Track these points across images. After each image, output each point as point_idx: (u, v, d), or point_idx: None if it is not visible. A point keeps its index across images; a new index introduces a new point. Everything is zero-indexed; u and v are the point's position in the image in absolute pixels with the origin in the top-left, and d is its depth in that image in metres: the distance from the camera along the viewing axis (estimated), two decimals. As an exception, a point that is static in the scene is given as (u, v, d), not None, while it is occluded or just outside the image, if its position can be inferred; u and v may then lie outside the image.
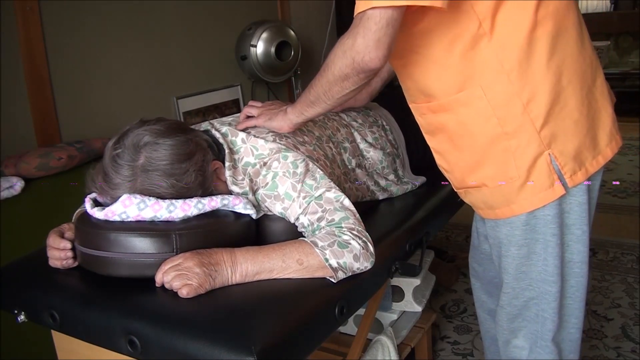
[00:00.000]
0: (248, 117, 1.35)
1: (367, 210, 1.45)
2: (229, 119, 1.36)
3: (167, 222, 1.08)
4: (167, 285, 1.02)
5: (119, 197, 1.06)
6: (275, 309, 0.99)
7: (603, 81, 1.16)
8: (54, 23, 2.14)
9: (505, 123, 1.07)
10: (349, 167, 1.43)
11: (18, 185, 1.75)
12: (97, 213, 1.08)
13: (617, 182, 3.52)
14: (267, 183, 1.19)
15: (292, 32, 2.97)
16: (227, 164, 1.20)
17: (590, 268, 1.25)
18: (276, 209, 1.19)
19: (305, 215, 1.16)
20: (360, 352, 1.52)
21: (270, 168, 1.20)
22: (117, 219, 1.07)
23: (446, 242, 2.92)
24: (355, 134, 1.51)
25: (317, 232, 1.13)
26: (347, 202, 1.17)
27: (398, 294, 1.78)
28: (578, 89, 1.09)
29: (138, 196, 1.06)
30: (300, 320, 1.00)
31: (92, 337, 1.07)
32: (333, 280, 1.07)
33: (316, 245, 1.07)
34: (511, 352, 1.28)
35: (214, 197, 1.13)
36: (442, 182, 1.66)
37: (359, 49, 0.99)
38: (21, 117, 2.06)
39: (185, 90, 2.73)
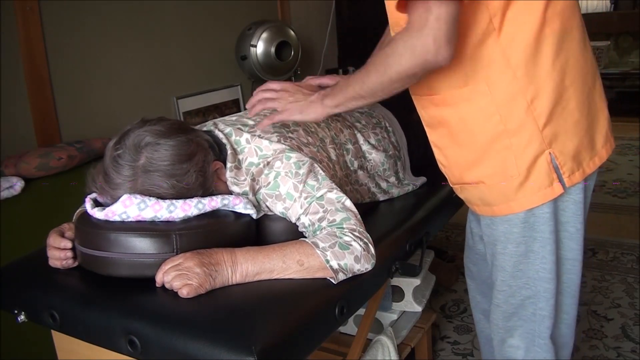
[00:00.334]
0: (264, 103, 1.28)
1: (367, 210, 1.45)
2: (232, 118, 1.36)
3: (167, 222, 1.08)
4: (167, 285, 1.02)
5: (120, 197, 1.06)
6: (276, 309, 0.99)
7: (601, 83, 1.17)
8: (54, 23, 2.14)
9: (508, 120, 1.07)
10: (351, 168, 1.43)
11: (18, 185, 1.75)
12: (98, 213, 1.08)
13: (617, 182, 3.52)
14: (269, 182, 1.19)
15: (292, 32, 2.97)
16: (229, 164, 1.20)
17: (583, 267, 1.25)
18: (277, 208, 1.19)
19: (306, 215, 1.16)
20: (360, 352, 1.52)
21: (273, 168, 1.20)
22: (118, 219, 1.07)
23: (446, 242, 2.92)
24: (359, 135, 1.51)
25: (318, 233, 1.13)
26: (348, 203, 1.17)
27: (398, 294, 1.78)
28: (580, 90, 1.10)
29: (138, 196, 1.06)
30: (300, 320, 1.00)
31: (92, 337, 1.07)
32: (333, 281, 1.07)
33: (317, 246, 1.07)
34: (506, 351, 1.28)
35: (214, 197, 1.13)
36: (442, 182, 1.66)
37: (431, 49, 0.96)
38: (21, 117, 2.06)
39: (185, 90, 2.73)
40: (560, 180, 1.10)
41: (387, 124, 1.62)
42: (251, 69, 2.88)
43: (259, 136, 1.25)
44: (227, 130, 1.27)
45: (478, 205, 1.21)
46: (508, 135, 1.08)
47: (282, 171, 1.19)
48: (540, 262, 1.17)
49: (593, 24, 5.18)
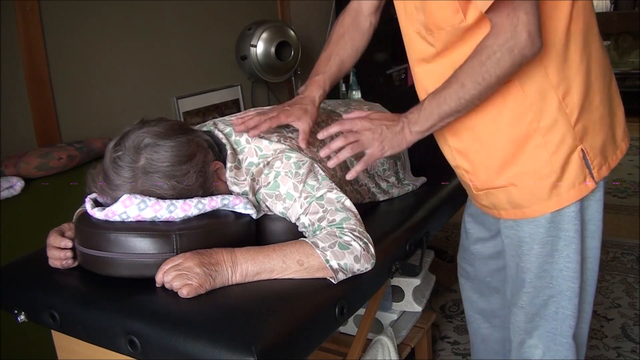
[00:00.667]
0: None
1: (367, 210, 1.45)
2: (232, 118, 1.36)
3: (167, 222, 1.08)
4: (167, 285, 1.02)
5: (120, 197, 1.06)
6: (276, 309, 0.99)
7: (615, 79, 1.19)
8: (54, 23, 2.14)
9: (541, 118, 1.08)
10: (351, 168, 1.43)
11: (18, 185, 1.75)
12: (98, 213, 1.08)
13: (617, 182, 3.52)
14: (269, 182, 1.19)
15: (292, 32, 2.97)
16: (229, 164, 1.20)
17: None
18: (277, 208, 1.19)
19: (306, 215, 1.16)
20: (360, 352, 1.52)
21: (273, 167, 1.20)
22: (118, 219, 1.07)
23: (446, 242, 2.92)
24: None
25: (317, 232, 1.13)
26: (348, 202, 1.17)
27: (398, 294, 1.78)
28: (602, 85, 1.13)
29: (138, 196, 1.06)
30: (300, 320, 1.00)
31: (92, 337, 1.07)
32: (333, 281, 1.07)
33: (317, 246, 1.07)
34: (525, 352, 1.27)
35: (214, 197, 1.13)
36: (442, 182, 1.66)
37: (527, 44, 0.99)
38: (21, 117, 2.06)
39: (185, 90, 2.73)
40: (591, 176, 1.11)
41: (388, 124, 1.61)
42: (251, 69, 2.88)
43: (259, 136, 1.25)
44: (227, 130, 1.27)
45: (506, 209, 1.19)
46: (541, 134, 1.09)
47: (282, 171, 1.19)
48: (564, 261, 1.17)
49: (593, 24, 5.18)
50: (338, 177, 1.35)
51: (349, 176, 1.20)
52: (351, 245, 1.09)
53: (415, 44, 1.19)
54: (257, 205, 1.20)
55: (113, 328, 1.01)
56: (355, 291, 1.15)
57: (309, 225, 1.15)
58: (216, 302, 1.01)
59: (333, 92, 3.27)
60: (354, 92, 2.90)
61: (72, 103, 2.23)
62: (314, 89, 1.34)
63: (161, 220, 1.08)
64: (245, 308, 0.99)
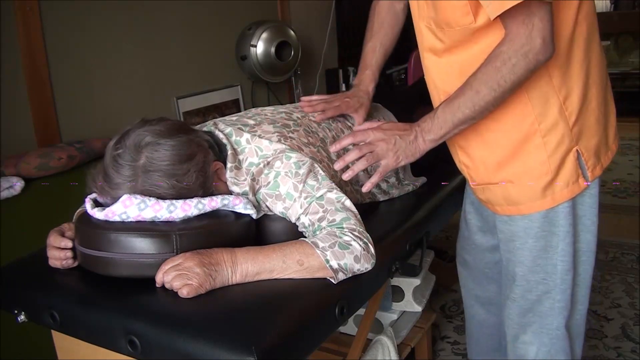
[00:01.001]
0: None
1: (367, 210, 1.45)
2: (233, 118, 1.36)
3: (167, 223, 1.08)
4: (167, 285, 1.02)
5: (120, 197, 1.06)
6: (275, 309, 0.99)
7: (610, 83, 1.24)
8: (54, 23, 2.14)
9: (543, 120, 1.12)
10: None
11: (18, 185, 1.75)
12: (98, 213, 1.08)
13: (617, 182, 3.52)
14: (269, 182, 1.19)
15: (292, 32, 2.97)
16: (229, 164, 1.20)
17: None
18: (277, 208, 1.19)
19: (306, 215, 1.16)
20: (360, 352, 1.52)
21: (273, 167, 1.20)
22: (118, 219, 1.07)
23: (446, 242, 2.92)
24: None
25: (317, 232, 1.13)
26: (348, 202, 1.17)
27: (398, 294, 1.78)
28: (599, 89, 1.17)
29: (138, 196, 1.06)
30: (300, 320, 1.00)
31: (92, 337, 1.07)
32: (333, 281, 1.07)
33: (317, 246, 1.07)
34: (519, 347, 1.30)
35: (214, 197, 1.13)
36: (442, 182, 1.66)
37: (541, 49, 1.02)
38: (21, 117, 2.06)
39: (185, 90, 2.73)
40: (584, 175, 1.16)
41: (388, 124, 1.61)
42: (251, 69, 2.88)
43: (259, 136, 1.25)
44: (228, 130, 1.27)
45: (501, 205, 1.23)
46: (541, 135, 1.13)
47: (282, 171, 1.19)
48: (559, 255, 1.20)
49: (593, 24, 5.18)
50: (338, 177, 1.35)
51: (365, 188, 1.21)
52: (351, 245, 1.09)
53: (425, 37, 1.22)
54: (257, 205, 1.20)
55: (113, 328, 1.01)
56: (355, 291, 1.15)
57: (309, 225, 1.15)
58: (216, 302, 1.01)
59: (334, 92, 3.27)
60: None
61: (72, 103, 2.23)
62: (367, 81, 1.47)
63: (161, 220, 1.08)
64: (245, 308, 0.99)
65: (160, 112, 2.39)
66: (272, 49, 2.84)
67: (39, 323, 1.13)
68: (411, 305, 1.77)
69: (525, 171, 1.16)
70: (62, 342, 1.19)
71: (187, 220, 1.10)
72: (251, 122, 1.31)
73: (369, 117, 1.53)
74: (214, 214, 1.13)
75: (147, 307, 1.02)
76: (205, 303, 1.00)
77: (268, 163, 1.20)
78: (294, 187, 1.17)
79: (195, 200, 1.10)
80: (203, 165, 1.14)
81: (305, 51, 3.18)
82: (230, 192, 1.20)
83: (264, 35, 2.83)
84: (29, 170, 1.81)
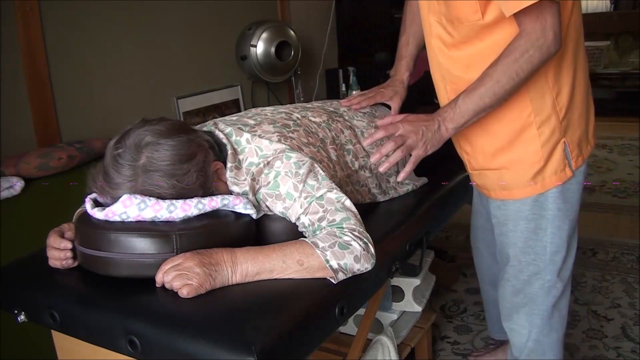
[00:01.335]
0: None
1: (367, 210, 1.45)
2: (233, 118, 1.36)
3: (167, 223, 1.08)
4: (167, 285, 1.02)
5: (120, 197, 1.06)
6: (275, 309, 0.99)
7: (590, 84, 1.36)
8: (54, 23, 2.14)
9: (538, 113, 1.24)
10: (352, 169, 1.44)
11: (18, 185, 1.75)
12: (98, 213, 1.08)
13: (617, 182, 3.52)
14: (269, 182, 1.19)
15: (292, 32, 2.97)
16: (229, 164, 1.20)
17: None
18: (277, 208, 1.19)
19: (306, 215, 1.16)
20: (360, 352, 1.52)
21: (273, 167, 1.20)
22: (118, 219, 1.07)
23: (446, 242, 2.92)
24: (359, 135, 1.51)
25: (317, 232, 1.13)
26: (348, 202, 1.17)
27: (398, 294, 1.78)
28: (582, 89, 1.29)
29: (138, 196, 1.06)
30: (300, 320, 1.00)
31: (92, 337, 1.07)
32: (333, 281, 1.07)
33: (317, 246, 1.07)
34: (513, 329, 1.43)
35: (214, 197, 1.13)
36: (442, 182, 1.66)
37: (553, 43, 1.13)
38: (21, 117, 2.06)
39: (185, 90, 2.73)
40: (569, 165, 1.28)
41: (389, 124, 1.62)
42: (251, 69, 2.88)
43: (260, 136, 1.25)
44: (228, 130, 1.27)
45: (495, 190, 1.34)
46: (536, 126, 1.24)
47: (282, 171, 1.19)
48: (548, 237, 1.31)
49: (593, 24, 5.18)
50: (338, 177, 1.35)
51: (401, 177, 1.29)
52: (351, 245, 1.09)
53: (434, 30, 1.31)
54: (257, 205, 1.20)
55: (113, 328, 1.01)
56: (355, 291, 1.15)
57: (309, 225, 1.15)
58: (216, 302, 1.01)
59: (333, 93, 3.27)
60: (354, 92, 2.90)
61: (72, 103, 2.23)
62: (402, 71, 1.61)
63: (161, 220, 1.08)
64: (246, 308, 0.99)
65: (160, 112, 2.40)
66: (272, 49, 2.84)
67: (39, 323, 1.13)
68: (411, 305, 1.77)
69: (520, 159, 1.27)
70: (62, 342, 1.19)
71: (187, 220, 1.10)
72: (251, 122, 1.31)
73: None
74: (214, 214, 1.13)
75: (147, 307, 1.02)
76: (205, 303, 1.00)
77: (268, 163, 1.20)
78: (294, 187, 1.17)
79: (195, 200, 1.10)
80: (203, 165, 1.14)
81: (305, 51, 3.18)
82: (230, 192, 1.20)
83: (264, 35, 2.83)
84: (29, 170, 1.81)
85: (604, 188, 3.45)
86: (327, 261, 1.06)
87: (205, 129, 1.29)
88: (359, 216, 1.17)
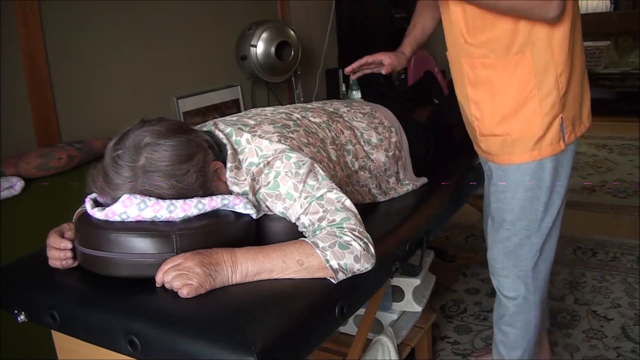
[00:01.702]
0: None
1: (367, 210, 1.45)
2: (233, 118, 1.36)
3: (167, 223, 1.08)
4: (167, 285, 1.02)
5: (120, 197, 1.06)
6: (275, 309, 0.99)
7: (587, 73, 1.49)
8: (54, 23, 2.14)
9: (541, 87, 1.36)
10: (352, 169, 1.44)
11: (18, 185, 1.75)
12: (97, 213, 1.08)
13: (617, 182, 3.52)
14: (269, 182, 1.19)
15: (292, 32, 2.97)
16: (229, 164, 1.20)
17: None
18: (277, 208, 1.19)
19: (306, 215, 1.16)
20: (360, 352, 1.52)
21: (273, 167, 1.20)
22: (118, 219, 1.07)
23: (446, 242, 2.92)
24: (359, 135, 1.51)
25: (317, 232, 1.13)
26: (348, 202, 1.17)
27: (398, 294, 1.78)
28: (579, 73, 1.41)
29: (138, 196, 1.06)
30: (300, 320, 1.00)
31: (92, 337, 1.07)
32: (333, 281, 1.07)
33: (317, 246, 1.07)
34: (501, 285, 1.57)
35: (214, 197, 1.13)
36: (442, 182, 1.66)
37: (552, 8, 1.25)
38: (21, 117, 2.05)
39: (185, 90, 2.73)
40: (563, 139, 1.40)
41: (389, 124, 1.62)
42: (251, 69, 2.88)
43: (260, 136, 1.25)
44: (228, 130, 1.27)
45: (498, 155, 1.46)
46: (538, 99, 1.36)
47: (282, 171, 1.19)
48: (541, 206, 1.45)
49: (593, 24, 5.17)
50: (338, 177, 1.35)
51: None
52: (351, 245, 1.09)
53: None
54: (257, 205, 1.20)
55: (113, 328, 1.01)
56: (355, 291, 1.15)
57: (309, 225, 1.15)
58: (216, 302, 1.01)
59: (334, 92, 3.27)
60: (354, 92, 2.90)
61: (72, 103, 2.23)
62: (405, 46, 1.80)
63: (161, 220, 1.08)
64: (246, 308, 0.99)
65: (160, 112, 2.40)
66: (272, 49, 2.83)
67: (39, 323, 1.13)
68: (411, 305, 1.77)
69: (522, 127, 1.39)
70: (62, 342, 1.19)
71: (187, 220, 1.10)
72: (251, 122, 1.31)
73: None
74: (214, 214, 1.13)
75: (147, 307, 1.02)
76: (205, 303, 1.00)
77: (268, 163, 1.20)
78: (294, 187, 1.17)
79: (195, 200, 1.10)
80: (203, 165, 1.14)
81: (305, 51, 3.18)
82: (230, 192, 1.20)
83: (264, 35, 2.83)
84: (29, 170, 1.81)
85: (604, 188, 3.45)
86: (327, 261, 1.06)
87: (205, 129, 1.29)
88: (359, 216, 1.17)
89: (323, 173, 1.21)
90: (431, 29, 1.80)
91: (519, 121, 1.39)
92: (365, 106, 1.66)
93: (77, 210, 1.20)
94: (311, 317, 1.03)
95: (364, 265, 1.10)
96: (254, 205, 1.18)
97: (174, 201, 1.08)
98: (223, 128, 1.27)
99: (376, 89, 3.31)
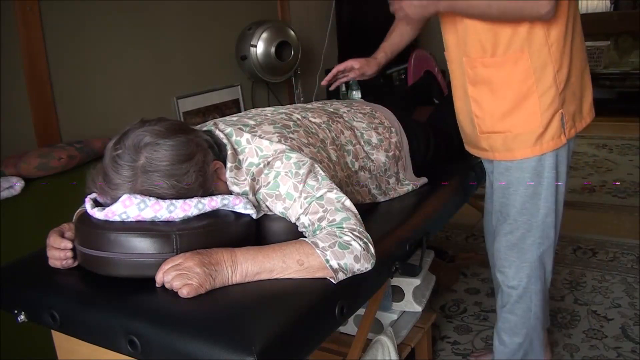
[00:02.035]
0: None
1: (367, 210, 1.45)
2: (233, 118, 1.36)
3: (167, 223, 1.08)
4: (167, 285, 1.02)
5: (119, 197, 1.06)
6: (275, 309, 0.99)
7: (588, 67, 1.52)
8: (54, 23, 2.14)
9: (540, 83, 1.38)
10: (352, 169, 1.44)
11: (18, 185, 1.75)
12: (97, 213, 1.08)
13: (617, 182, 3.52)
14: (269, 182, 1.19)
15: (292, 32, 2.97)
16: (229, 164, 1.20)
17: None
18: (277, 208, 1.19)
19: (306, 215, 1.16)
20: (360, 352, 1.52)
21: (273, 167, 1.20)
22: (117, 219, 1.07)
23: (446, 242, 2.92)
24: (360, 136, 1.51)
25: (317, 232, 1.13)
26: (348, 202, 1.17)
27: (398, 294, 1.78)
28: (578, 69, 1.44)
29: (138, 196, 1.06)
30: (300, 320, 1.00)
31: (92, 337, 1.07)
32: (333, 281, 1.07)
33: (317, 246, 1.07)
34: (505, 276, 1.60)
35: (214, 197, 1.13)
36: (442, 182, 1.66)
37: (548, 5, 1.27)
38: (21, 117, 2.05)
39: (185, 90, 2.73)
40: (564, 133, 1.43)
41: (389, 124, 1.62)
42: (251, 69, 2.88)
43: (260, 136, 1.25)
44: (228, 130, 1.27)
45: (499, 151, 1.48)
46: (538, 95, 1.39)
47: (282, 171, 1.19)
48: (542, 201, 1.49)
49: (593, 24, 5.17)
50: (339, 177, 1.35)
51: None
52: (351, 245, 1.09)
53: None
54: (257, 205, 1.20)
55: (113, 328, 1.01)
56: (355, 291, 1.15)
57: (309, 225, 1.15)
58: (216, 302, 1.01)
59: (334, 92, 3.27)
60: (354, 92, 2.90)
61: (72, 103, 2.23)
62: (379, 52, 1.84)
63: (161, 220, 1.08)
64: (246, 308, 0.99)
65: (160, 112, 2.40)
66: (272, 49, 2.83)
67: (39, 323, 1.13)
68: (411, 305, 1.77)
69: (523, 123, 1.42)
70: (62, 342, 1.19)
71: (187, 220, 1.10)
72: (251, 122, 1.31)
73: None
74: (214, 214, 1.13)
75: (147, 307, 1.02)
76: (205, 303, 1.00)
77: (268, 163, 1.20)
78: (294, 187, 1.17)
79: (195, 200, 1.10)
80: (202, 165, 1.14)
81: (305, 51, 3.18)
82: (230, 192, 1.20)
83: (264, 35, 2.83)
84: (29, 170, 1.81)
85: (604, 188, 3.45)
86: (327, 261, 1.06)
87: (205, 129, 1.29)
88: (359, 216, 1.17)
89: (323, 173, 1.21)
90: (410, 35, 1.82)
91: (519, 117, 1.42)
92: (366, 106, 1.66)
93: (77, 210, 1.20)
94: (311, 317, 1.03)
95: (364, 265, 1.10)
96: (254, 205, 1.18)
97: (173, 201, 1.08)
98: (223, 128, 1.27)
99: (376, 89, 3.31)
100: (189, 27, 2.72)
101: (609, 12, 5.78)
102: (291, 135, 1.29)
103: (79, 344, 1.10)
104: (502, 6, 1.29)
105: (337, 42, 3.58)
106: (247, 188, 1.19)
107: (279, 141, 1.24)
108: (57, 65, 2.17)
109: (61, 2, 2.16)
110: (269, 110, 1.43)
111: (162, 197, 1.08)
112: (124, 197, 1.05)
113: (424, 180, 1.65)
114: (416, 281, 1.74)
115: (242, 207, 1.16)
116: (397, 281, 1.75)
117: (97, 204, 1.12)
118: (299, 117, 1.41)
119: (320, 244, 1.07)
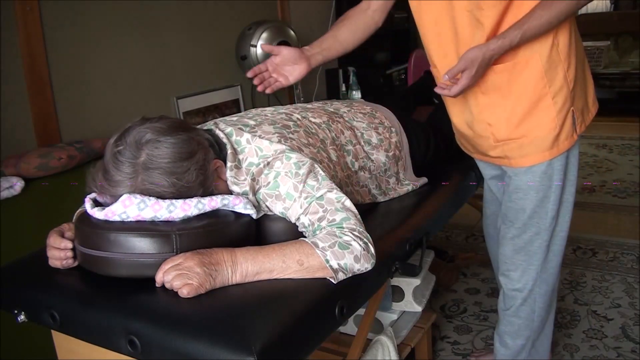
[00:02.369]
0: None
1: (367, 210, 1.45)
2: (233, 118, 1.36)
3: (167, 222, 1.08)
4: (167, 285, 1.02)
5: (119, 195, 1.06)
6: (275, 309, 0.99)
7: (587, 60, 1.53)
8: (54, 23, 2.14)
9: (552, 84, 1.38)
10: (352, 169, 1.44)
11: (18, 185, 1.75)
12: (97, 213, 1.08)
13: (617, 182, 3.52)
14: (269, 182, 1.19)
15: (292, 32, 2.97)
16: (229, 164, 1.20)
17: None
18: (277, 208, 1.19)
19: (306, 215, 1.16)
20: (360, 352, 1.52)
21: (273, 168, 1.20)
22: (117, 219, 1.07)
23: (446, 242, 2.92)
24: (360, 136, 1.51)
25: (317, 232, 1.13)
26: (348, 202, 1.17)
27: (398, 294, 1.78)
28: (580, 64, 1.44)
29: (138, 196, 1.06)
30: (300, 320, 1.00)
31: (92, 337, 1.07)
32: (333, 281, 1.07)
33: (317, 246, 1.07)
34: (509, 279, 1.59)
35: (214, 197, 1.13)
36: (442, 182, 1.66)
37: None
38: (21, 117, 2.05)
39: (185, 90, 2.73)
40: (575, 130, 1.43)
41: (389, 124, 1.62)
42: (251, 68, 2.88)
43: (260, 136, 1.25)
44: (228, 130, 1.27)
45: (515, 158, 1.46)
46: (551, 96, 1.38)
47: (282, 171, 1.19)
48: (551, 205, 1.48)
49: (593, 24, 5.18)
50: (339, 178, 1.35)
51: (454, 91, 1.34)
52: (351, 245, 1.09)
53: (464, 29, 1.37)
54: (257, 205, 1.20)
55: (113, 328, 1.01)
56: (355, 291, 1.15)
57: (308, 225, 1.15)
58: (216, 302, 1.01)
59: (334, 92, 3.26)
60: (354, 92, 2.90)
61: (72, 103, 2.23)
62: (314, 54, 1.67)
63: (161, 220, 1.08)
64: (246, 308, 0.99)
65: (160, 112, 2.38)
66: (272, 49, 2.83)
67: (39, 323, 1.13)
68: (411, 305, 1.77)
69: (539, 126, 1.40)
70: (62, 342, 1.19)
71: (187, 220, 1.10)
72: (252, 122, 1.31)
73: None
74: (214, 214, 1.13)
75: (147, 307, 1.02)
76: (205, 303, 1.00)
77: (268, 163, 1.20)
78: (294, 187, 1.17)
79: (195, 200, 1.10)
80: (203, 164, 1.14)
81: (305, 51, 3.17)
82: (230, 192, 1.20)
83: (264, 35, 2.83)
84: (29, 170, 1.81)
85: (604, 188, 3.45)
86: (327, 261, 1.06)
87: (205, 128, 1.29)
88: (359, 216, 1.17)
89: (323, 173, 1.21)
90: (346, 42, 1.65)
91: (534, 121, 1.40)
92: (366, 106, 1.66)
93: (77, 210, 1.19)
94: (311, 317, 1.03)
95: (364, 265, 1.10)
96: (253, 205, 1.18)
97: (173, 201, 1.08)
98: (223, 128, 1.27)
99: (376, 89, 3.31)
100: (189, 27, 2.72)
101: (609, 12, 5.78)
102: (291, 135, 1.29)
103: (78, 344, 1.10)
104: (565, 9, 1.28)
105: (337, 42, 3.57)
106: (247, 188, 1.19)
107: (279, 141, 1.24)
108: (57, 65, 2.17)
109: (61, 2, 2.16)
110: (269, 110, 1.43)
111: (162, 196, 1.08)
112: (124, 197, 1.05)
113: (424, 180, 1.65)
114: (416, 281, 1.74)
115: (242, 207, 1.16)
116: (397, 281, 1.75)
117: (97, 203, 1.12)
118: (299, 117, 1.41)
119: (320, 244, 1.07)
